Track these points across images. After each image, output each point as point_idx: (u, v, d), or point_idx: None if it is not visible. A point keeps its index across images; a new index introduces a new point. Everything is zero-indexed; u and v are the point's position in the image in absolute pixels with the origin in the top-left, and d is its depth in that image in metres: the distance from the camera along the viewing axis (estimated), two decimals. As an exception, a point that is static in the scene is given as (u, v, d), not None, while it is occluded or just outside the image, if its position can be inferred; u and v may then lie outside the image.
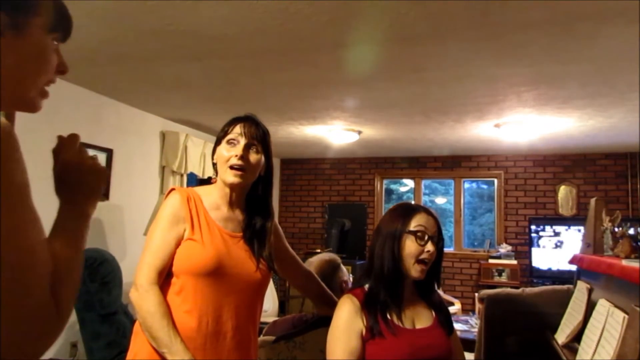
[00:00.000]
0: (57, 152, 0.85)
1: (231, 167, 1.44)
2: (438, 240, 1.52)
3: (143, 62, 2.93)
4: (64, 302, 0.71)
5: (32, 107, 0.79)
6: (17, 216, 0.64)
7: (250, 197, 1.53)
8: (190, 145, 4.64)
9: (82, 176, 0.84)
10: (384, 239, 1.52)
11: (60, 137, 0.86)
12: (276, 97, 3.69)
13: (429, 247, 1.48)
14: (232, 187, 1.47)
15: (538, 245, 5.39)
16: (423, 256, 1.48)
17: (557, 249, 5.28)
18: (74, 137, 0.86)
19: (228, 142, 1.47)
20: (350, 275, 2.32)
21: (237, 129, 1.47)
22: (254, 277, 1.44)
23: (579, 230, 5.11)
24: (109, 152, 3.85)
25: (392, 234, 1.50)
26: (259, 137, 1.49)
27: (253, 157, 1.47)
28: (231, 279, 1.40)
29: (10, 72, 0.73)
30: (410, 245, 1.48)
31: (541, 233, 5.40)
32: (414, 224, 1.50)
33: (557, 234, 5.33)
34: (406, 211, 1.54)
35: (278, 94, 3.60)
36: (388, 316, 1.45)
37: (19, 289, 0.63)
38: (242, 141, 1.46)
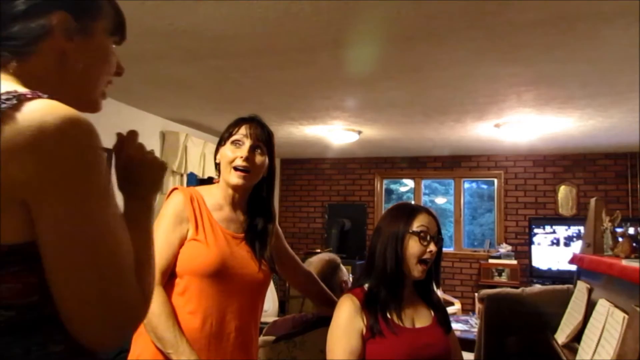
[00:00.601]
0: (118, 150, 0.88)
1: (235, 169, 1.44)
2: (438, 240, 1.53)
3: (143, 62, 2.93)
4: (147, 289, 0.76)
5: (95, 107, 0.82)
6: (108, 209, 0.66)
7: (252, 198, 1.53)
8: (190, 145, 4.64)
9: (145, 171, 0.87)
10: (385, 240, 1.52)
11: (119, 135, 0.88)
12: (276, 97, 3.69)
13: (432, 247, 1.49)
14: (235, 188, 1.47)
15: (533, 243, 5.40)
16: (425, 256, 1.48)
17: (553, 246, 5.29)
18: (133, 133, 0.88)
19: (233, 142, 1.46)
20: (350, 275, 2.32)
21: (243, 130, 1.47)
22: (256, 278, 1.44)
23: (579, 231, 5.11)
24: (109, 153, 3.83)
25: (395, 235, 1.50)
26: (264, 139, 1.48)
27: (258, 158, 1.46)
28: (235, 280, 1.39)
29: (78, 75, 0.75)
30: (413, 246, 1.49)
31: (536, 230, 5.40)
32: (417, 224, 1.50)
33: (554, 233, 5.34)
34: (408, 212, 1.54)
35: (278, 94, 3.60)
36: (388, 315, 1.46)
37: (114, 279, 0.65)
38: (248, 143, 1.45)
